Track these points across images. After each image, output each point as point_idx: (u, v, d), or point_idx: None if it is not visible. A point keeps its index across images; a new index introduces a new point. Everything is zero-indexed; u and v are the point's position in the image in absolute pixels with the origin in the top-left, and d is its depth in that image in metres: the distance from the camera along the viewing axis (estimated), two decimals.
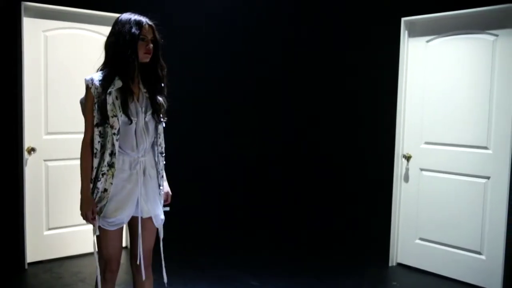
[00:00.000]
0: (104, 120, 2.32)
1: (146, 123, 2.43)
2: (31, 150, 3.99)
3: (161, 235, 2.59)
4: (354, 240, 4.94)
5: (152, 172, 2.49)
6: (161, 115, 2.47)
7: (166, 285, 2.76)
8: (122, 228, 2.45)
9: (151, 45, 2.38)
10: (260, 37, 5.42)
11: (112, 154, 2.34)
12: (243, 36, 5.33)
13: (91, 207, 2.37)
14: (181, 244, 4.68)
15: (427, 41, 4.05)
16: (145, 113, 2.42)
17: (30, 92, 3.96)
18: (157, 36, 2.42)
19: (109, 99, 2.31)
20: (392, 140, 4.25)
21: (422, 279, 4.00)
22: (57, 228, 4.20)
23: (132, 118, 2.36)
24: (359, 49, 4.95)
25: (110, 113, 2.30)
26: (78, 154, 4.27)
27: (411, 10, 4.12)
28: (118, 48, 2.33)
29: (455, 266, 3.90)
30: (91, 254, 4.22)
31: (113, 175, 2.35)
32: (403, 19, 4.11)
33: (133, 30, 2.32)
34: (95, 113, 2.33)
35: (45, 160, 4.10)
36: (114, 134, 2.32)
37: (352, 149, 5.09)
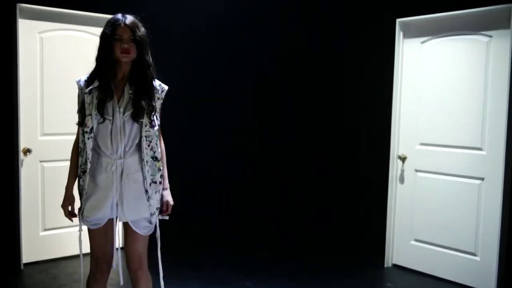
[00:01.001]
0: (81, 118, 2.39)
1: (123, 124, 2.37)
2: (27, 151, 4.01)
3: (158, 243, 2.56)
4: (350, 241, 4.94)
5: (135, 176, 2.42)
6: (144, 117, 2.38)
7: None
8: (108, 228, 2.45)
9: (126, 45, 2.32)
10: (258, 38, 5.42)
11: (89, 151, 2.36)
12: (242, 36, 5.34)
13: (68, 203, 2.48)
14: (179, 244, 4.69)
15: (422, 42, 4.04)
16: (123, 113, 2.37)
17: (26, 93, 3.98)
18: (138, 34, 2.37)
19: (88, 99, 2.35)
20: (388, 141, 4.24)
21: (417, 280, 4.00)
22: (53, 229, 4.22)
23: (105, 117, 2.34)
24: (354, 50, 4.95)
25: (86, 112, 2.35)
26: None
27: (406, 11, 4.12)
28: (98, 49, 2.39)
29: (450, 267, 3.90)
30: (87, 254, 4.23)
31: (90, 173, 2.38)
32: (398, 20, 4.11)
33: (107, 30, 2.36)
34: (77, 112, 2.42)
35: (41, 161, 4.12)
36: (86, 132, 2.35)
37: (347, 150, 5.09)
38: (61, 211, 4.21)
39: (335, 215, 5.25)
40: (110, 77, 2.38)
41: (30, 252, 4.08)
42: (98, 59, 2.38)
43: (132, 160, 2.41)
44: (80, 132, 2.40)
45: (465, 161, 3.80)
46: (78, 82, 2.44)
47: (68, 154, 4.12)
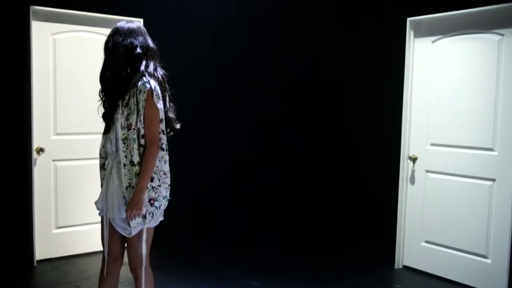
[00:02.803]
0: None
1: (115, 121, 2.45)
2: (40, 150, 4.09)
3: (143, 247, 2.47)
4: (360, 242, 4.91)
5: (115, 178, 2.45)
6: (118, 117, 2.41)
7: None
8: (112, 224, 2.51)
9: None
10: (263, 37, 5.43)
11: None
12: (246, 36, 5.35)
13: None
14: (185, 244, 4.74)
15: (433, 41, 3.99)
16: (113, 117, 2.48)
17: (39, 93, 4.06)
18: (109, 42, 2.52)
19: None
20: (398, 141, 4.20)
21: (427, 282, 3.95)
22: (66, 226, 4.30)
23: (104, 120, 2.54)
24: (364, 49, 4.92)
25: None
26: (85, 154, 4.42)
27: (416, 10, 4.07)
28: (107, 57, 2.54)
29: (461, 269, 3.84)
30: (97, 252, 4.32)
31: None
32: (408, 19, 4.06)
33: (109, 40, 2.52)
34: None
35: (53, 160, 4.20)
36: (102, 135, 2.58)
37: (357, 150, 5.06)
38: (74, 210, 4.35)
39: (344, 216, 5.22)
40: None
41: (43, 249, 4.16)
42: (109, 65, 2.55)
43: (117, 162, 2.46)
44: None
45: (476, 162, 3.73)
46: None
47: (80, 153, 4.29)
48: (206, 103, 5.14)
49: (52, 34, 4.13)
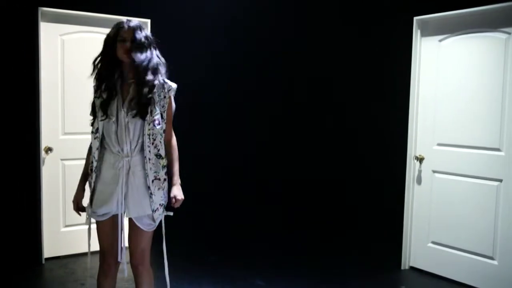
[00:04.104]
0: (92, 120, 2.55)
1: (127, 124, 2.43)
2: (48, 149, 4.15)
3: (163, 240, 2.63)
4: (367, 242, 4.88)
5: (139, 173, 2.48)
6: (146, 116, 2.43)
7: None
8: (114, 223, 2.52)
9: (128, 45, 2.42)
10: (270, 37, 5.42)
11: (96, 149, 2.49)
12: (252, 34, 5.36)
13: (75, 198, 2.62)
14: (191, 242, 4.76)
15: (440, 41, 3.96)
16: (127, 113, 2.44)
17: (47, 93, 4.12)
18: (139, 36, 2.44)
19: (97, 102, 2.49)
20: (405, 141, 4.17)
21: (433, 284, 3.92)
22: (74, 225, 4.34)
23: (109, 116, 2.43)
24: (371, 49, 4.90)
25: (95, 114, 2.53)
26: None
27: (423, 9, 4.04)
28: (101, 51, 2.52)
29: (467, 271, 3.80)
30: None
31: (97, 170, 2.49)
32: (415, 18, 4.03)
33: (110, 33, 2.49)
34: (90, 114, 2.58)
35: (61, 159, 4.26)
36: (92, 132, 2.51)
37: (363, 150, 5.04)
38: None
39: (351, 216, 5.20)
40: (112, 77, 2.46)
41: (51, 247, 4.22)
42: (101, 60, 2.49)
43: (138, 158, 2.48)
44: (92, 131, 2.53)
45: (483, 162, 3.69)
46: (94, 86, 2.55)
47: None
48: (211, 103, 5.16)
49: (60, 35, 4.18)
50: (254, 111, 5.42)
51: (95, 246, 4.34)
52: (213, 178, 5.24)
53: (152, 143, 2.47)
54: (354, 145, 5.16)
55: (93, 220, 2.58)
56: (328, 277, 4.01)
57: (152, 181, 2.48)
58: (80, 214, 2.65)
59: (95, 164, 2.47)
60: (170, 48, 4.90)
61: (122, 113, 2.44)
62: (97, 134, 2.47)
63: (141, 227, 2.50)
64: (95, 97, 2.51)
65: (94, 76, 2.51)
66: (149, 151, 2.47)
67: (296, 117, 5.61)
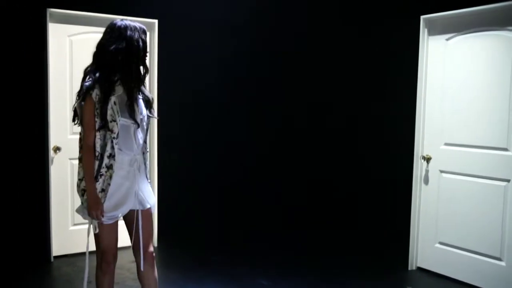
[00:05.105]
0: (104, 124, 2.42)
1: (142, 124, 2.57)
2: (57, 149, 4.20)
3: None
4: (374, 242, 4.86)
5: (142, 167, 2.65)
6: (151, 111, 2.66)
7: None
8: (117, 221, 2.60)
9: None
10: (277, 38, 5.43)
11: (111, 156, 2.46)
12: (256, 35, 5.36)
13: (100, 206, 2.48)
14: (196, 242, 4.78)
15: (447, 39, 3.92)
16: (141, 113, 2.56)
17: (56, 93, 4.17)
18: None
19: (108, 105, 2.42)
20: (412, 141, 4.14)
21: (440, 284, 3.88)
22: (82, 223, 4.37)
23: (132, 122, 2.49)
24: (377, 48, 4.88)
25: (109, 118, 2.42)
26: None
27: (430, 8, 4.01)
28: (130, 55, 2.45)
29: (474, 272, 3.76)
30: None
31: (111, 176, 2.47)
32: (422, 17, 4.00)
33: (144, 37, 2.51)
34: (96, 118, 2.42)
35: (70, 159, 4.30)
36: (113, 138, 2.44)
37: (370, 150, 5.01)
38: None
39: (358, 216, 5.19)
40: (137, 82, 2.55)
41: (59, 246, 4.27)
42: (130, 64, 2.46)
43: (141, 155, 2.65)
44: (98, 137, 2.44)
45: (491, 162, 3.65)
46: (90, 87, 2.43)
47: None
48: (217, 103, 5.17)
49: (69, 36, 4.23)
50: (258, 111, 5.42)
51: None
52: (216, 178, 5.25)
53: (148, 138, 2.74)
54: (361, 145, 5.15)
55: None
56: (334, 277, 4.00)
57: (147, 174, 2.72)
58: (101, 220, 2.54)
59: (114, 168, 2.46)
60: (177, 49, 4.97)
61: (138, 115, 2.53)
62: (117, 139, 2.45)
63: (152, 210, 2.70)
64: (108, 99, 2.42)
65: (103, 77, 2.44)
66: (147, 146, 2.69)
67: (302, 117, 5.60)
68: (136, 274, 3.75)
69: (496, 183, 3.62)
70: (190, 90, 4.93)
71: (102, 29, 4.29)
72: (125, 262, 3.98)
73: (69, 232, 4.34)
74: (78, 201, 4.27)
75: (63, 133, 4.25)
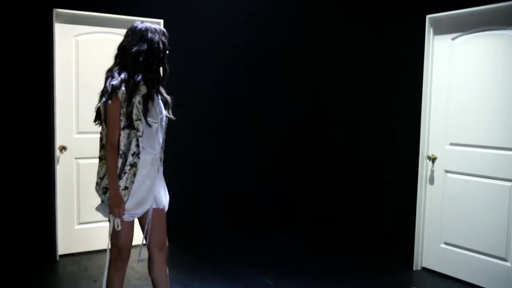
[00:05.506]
0: (130, 123, 2.47)
1: (161, 123, 2.62)
2: (63, 148, 4.23)
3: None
4: (378, 243, 4.85)
5: (160, 166, 2.71)
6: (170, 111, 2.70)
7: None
8: (134, 219, 2.66)
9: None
10: (283, 36, 5.42)
11: (135, 154, 2.51)
12: (264, 37, 5.36)
13: (122, 204, 2.52)
14: (201, 241, 4.80)
15: (453, 39, 3.91)
16: (161, 113, 2.62)
17: (62, 93, 4.20)
18: None
19: (134, 104, 2.48)
20: (417, 141, 4.13)
21: (445, 285, 3.87)
22: (88, 223, 4.41)
23: (155, 121, 2.55)
24: (383, 47, 4.87)
25: (134, 117, 2.47)
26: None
27: (436, 7, 3.99)
28: (151, 56, 2.52)
29: (480, 272, 3.74)
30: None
31: (134, 174, 2.52)
32: (427, 16, 3.99)
33: (164, 39, 2.58)
34: (122, 117, 2.46)
35: (76, 158, 4.33)
36: (139, 136, 2.49)
37: (376, 150, 5.00)
38: (95, 206, 4.45)
39: (363, 216, 5.17)
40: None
41: (65, 245, 4.30)
42: (151, 66, 2.52)
43: (161, 153, 2.72)
44: (123, 135, 2.47)
45: (496, 162, 3.63)
46: (116, 86, 2.45)
47: None
48: (223, 103, 5.18)
49: (75, 36, 4.26)
50: (267, 110, 5.42)
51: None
52: (216, 178, 5.25)
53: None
54: (366, 145, 5.13)
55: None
56: (339, 277, 4.00)
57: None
58: (123, 218, 2.58)
59: (138, 166, 2.51)
60: (183, 48, 4.98)
61: (159, 115, 2.59)
62: (142, 138, 2.49)
63: (166, 208, 2.77)
64: (130, 101, 2.46)
65: (128, 78, 2.47)
66: (163, 146, 2.72)
67: (308, 117, 5.59)
68: (138, 273, 3.82)
69: (501, 183, 3.60)
70: (190, 90, 4.93)
71: (108, 29, 4.41)
72: (130, 261, 3.98)
73: (75, 231, 4.36)
74: (84, 200, 4.36)
75: (69, 132, 4.28)
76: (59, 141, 4.20)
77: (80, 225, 4.39)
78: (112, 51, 4.32)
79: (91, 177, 4.38)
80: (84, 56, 4.30)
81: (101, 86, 4.27)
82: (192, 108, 4.97)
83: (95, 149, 4.36)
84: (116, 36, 4.42)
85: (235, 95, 5.22)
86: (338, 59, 5.38)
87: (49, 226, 4.23)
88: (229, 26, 5.12)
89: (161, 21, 4.51)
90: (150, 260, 2.78)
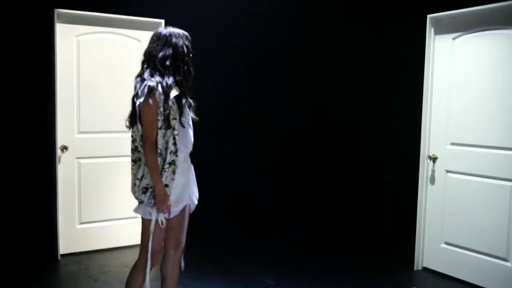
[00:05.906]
0: (167, 123, 2.54)
1: (190, 122, 2.71)
2: (64, 148, 4.24)
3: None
4: (379, 243, 4.85)
5: (192, 165, 2.83)
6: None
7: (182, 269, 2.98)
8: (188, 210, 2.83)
9: None
10: (281, 31, 5.42)
11: (172, 153, 2.57)
12: (265, 37, 5.37)
13: (168, 200, 2.60)
14: (203, 240, 4.79)
15: (454, 38, 3.91)
16: (188, 114, 2.71)
17: (63, 93, 4.21)
18: None
19: (169, 104, 2.55)
20: (418, 140, 4.13)
21: (446, 285, 3.87)
22: (89, 222, 4.43)
23: (188, 121, 2.67)
24: (383, 47, 4.87)
25: (171, 117, 2.55)
26: (108, 152, 4.52)
27: (437, 7, 3.99)
28: (177, 60, 2.62)
29: (480, 272, 3.74)
30: (118, 248, 4.47)
31: (174, 172, 2.59)
32: (428, 16, 3.99)
33: (187, 43, 2.69)
34: (159, 117, 2.52)
35: (77, 158, 4.33)
36: (176, 135, 2.57)
37: (377, 150, 5.00)
38: (97, 206, 4.48)
39: (364, 216, 5.17)
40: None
41: (67, 244, 4.30)
42: (179, 69, 2.63)
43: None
44: (161, 135, 2.54)
45: (497, 162, 3.63)
46: (154, 87, 2.50)
47: (103, 151, 4.39)
48: (225, 103, 5.19)
49: (76, 36, 4.26)
50: (267, 110, 5.43)
51: (111, 243, 4.48)
52: (216, 178, 5.24)
53: None
54: (366, 144, 5.13)
55: None
56: (340, 277, 4.00)
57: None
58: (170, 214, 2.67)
59: (177, 165, 2.59)
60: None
61: (189, 115, 2.72)
62: (175, 132, 2.56)
63: (192, 207, 2.87)
64: (166, 101, 2.52)
65: (164, 80, 2.55)
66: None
67: (308, 117, 5.60)
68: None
69: (502, 183, 3.60)
70: (196, 90, 4.93)
71: (109, 29, 4.42)
72: (131, 261, 3.99)
73: (76, 231, 4.37)
74: (85, 200, 4.37)
75: (70, 132, 4.29)
76: (60, 140, 4.21)
77: (82, 224, 4.40)
78: (113, 50, 4.40)
79: (92, 177, 4.44)
80: (85, 56, 4.31)
81: (102, 85, 4.34)
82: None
83: (96, 149, 4.43)
84: (117, 36, 4.45)
85: (235, 95, 5.22)
86: (338, 59, 5.38)
87: (50, 225, 4.24)
88: (229, 26, 5.12)
89: (162, 21, 4.51)
90: (164, 257, 2.86)
